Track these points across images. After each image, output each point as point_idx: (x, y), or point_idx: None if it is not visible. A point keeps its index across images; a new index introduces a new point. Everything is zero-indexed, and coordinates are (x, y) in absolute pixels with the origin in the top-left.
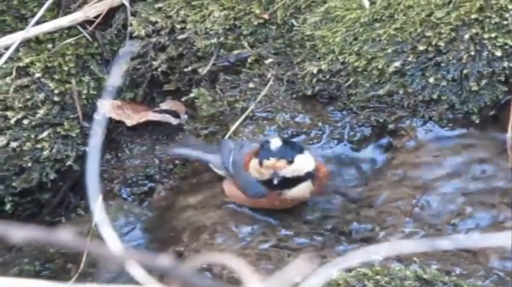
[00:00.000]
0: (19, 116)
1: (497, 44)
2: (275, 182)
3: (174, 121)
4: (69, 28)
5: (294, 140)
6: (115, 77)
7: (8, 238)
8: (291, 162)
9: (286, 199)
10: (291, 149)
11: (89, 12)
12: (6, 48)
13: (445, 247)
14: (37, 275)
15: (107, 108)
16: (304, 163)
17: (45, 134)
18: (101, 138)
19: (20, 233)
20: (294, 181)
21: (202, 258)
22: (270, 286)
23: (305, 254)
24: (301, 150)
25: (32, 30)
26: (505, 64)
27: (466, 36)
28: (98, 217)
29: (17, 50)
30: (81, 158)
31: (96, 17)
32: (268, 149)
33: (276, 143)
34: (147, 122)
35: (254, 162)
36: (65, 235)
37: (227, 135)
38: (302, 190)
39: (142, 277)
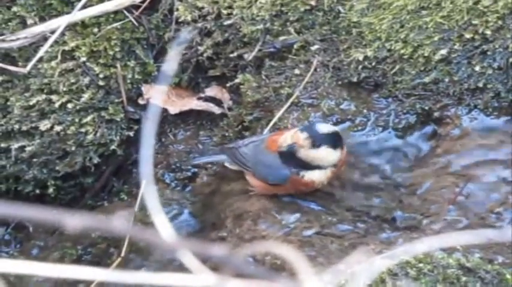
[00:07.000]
0: (63, 100)
1: None
2: (283, 149)
3: (217, 111)
4: (115, 12)
5: (339, 128)
6: (170, 65)
7: (64, 226)
8: (317, 147)
9: (307, 182)
10: (328, 138)
11: None
12: (52, 32)
13: (497, 239)
14: (79, 259)
15: (152, 94)
16: (326, 156)
17: (89, 118)
18: (155, 125)
19: (75, 221)
20: (311, 166)
21: (254, 247)
22: (324, 279)
23: (348, 242)
24: (335, 145)
25: (78, 14)
26: None
27: None
28: (151, 205)
29: (62, 33)
30: (125, 142)
31: (143, 1)
32: (311, 126)
33: (324, 128)
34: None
35: (290, 133)
36: (119, 223)
37: (272, 122)
38: (320, 176)
39: (194, 265)
